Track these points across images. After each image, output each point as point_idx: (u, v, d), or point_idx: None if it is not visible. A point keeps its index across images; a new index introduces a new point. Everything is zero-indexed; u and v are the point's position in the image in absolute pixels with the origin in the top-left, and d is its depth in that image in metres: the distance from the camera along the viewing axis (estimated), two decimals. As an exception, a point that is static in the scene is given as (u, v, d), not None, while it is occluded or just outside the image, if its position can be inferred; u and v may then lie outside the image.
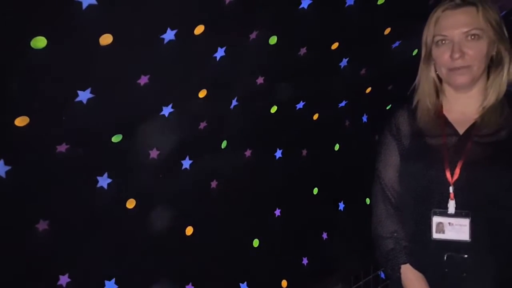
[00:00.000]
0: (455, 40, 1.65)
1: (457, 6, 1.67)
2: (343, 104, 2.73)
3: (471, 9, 1.65)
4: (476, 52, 1.64)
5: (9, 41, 1.39)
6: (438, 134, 1.75)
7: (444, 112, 1.78)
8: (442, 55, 1.68)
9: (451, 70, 1.68)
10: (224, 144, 2.22)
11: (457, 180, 1.66)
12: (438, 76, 1.78)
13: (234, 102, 2.15)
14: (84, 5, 1.46)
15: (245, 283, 2.42)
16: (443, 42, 1.68)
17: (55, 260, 1.78)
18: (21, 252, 1.68)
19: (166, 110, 1.91)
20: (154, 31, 1.70)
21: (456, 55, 1.64)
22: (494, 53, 1.69)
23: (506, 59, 1.69)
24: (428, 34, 1.73)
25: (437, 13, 1.71)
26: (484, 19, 1.64)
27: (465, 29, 1.64)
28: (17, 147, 1.57)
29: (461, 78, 1.68)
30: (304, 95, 2.46)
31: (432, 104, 1.78)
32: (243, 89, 2.16)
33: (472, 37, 1.64)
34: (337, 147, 2.86)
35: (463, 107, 1.75)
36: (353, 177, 2.93)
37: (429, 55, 1.75)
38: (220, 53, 1.93)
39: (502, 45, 1.68)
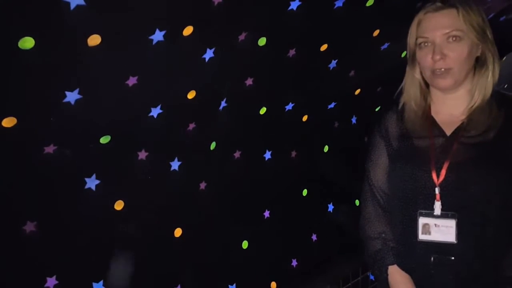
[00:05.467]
0: (436, 42, 1.67)
1: (438, 8, 1.69)
2: (332, 105, 2.73)
3: (452, 11, 1.67)
4: (457, 54, 1.65)
5: (-4, 41, 1.39)
6: (425, 135, 1.75)
7: (432, 114, 1.79)
8: (425, 57, 1.70)
9: (434, 73, 1.69)
10: (213, 145, 2.22)
11: (443, 181, 1.67)
12: (424, 78, 1.78)
13: (223, 103, 2.15)
14: (72, 6, 1.45)
15: (234, 285, 2.42)
16: (426, 44, 1.70)
17: (42, 262, 1.77)
18: (8, 254, 1.67)
19: (155, 111, 1.90)
20: (142, 32, 1.69)
21: (437, 57, 1.65)
22: (478, 54, 1.70)
23: (490, 60, 1.70)
24: (411, 37, 1.76)
25: (419, 16, 1.73)
26: (465, 21, 1.65)
27: (446, 31, 1.65)
28: (4, 148, 1.56)
29: (444, 82, 1.69)
30: (293, 96, 2.47)
31: (417, 106, 1.79)
32: (232, 90, 2.16)
33: (453, 38, 1.65)
34: (326, 148, 2.86)
35: (450, 108, 1.76)
36: (342, 179, 2.94)
37: (413, 57, 1.77)
38: (209, 54, 1.93)
39: (486, 47, 1.69)
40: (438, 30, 1.66)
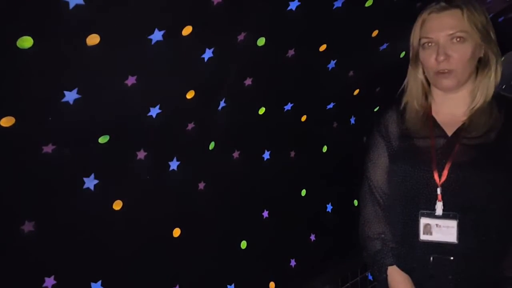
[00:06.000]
0: (440, 43, 1.66)
1: (443, 9, 1.69)
2: (331, 106, 2.73)
3: (456, 12, 1.66)
4: (461, 55, 1.65)
5: (-6, 41, 1.38)
6: (426, 135, 1.75)
7: (433, 114, 1.79)
8: (428, 58, 1.69)
9: (437, 73, 1.68)
10: (212, 145, 2.22)
11: (444, 181, 1.67)
12: (426, 77, 1.78)
13: (222, 103, 2.15)
14: (71, 5, 1.45)
15: (233, 285, 2.42)
16: (429, 44, 1.70)
17: (41, 262, 1.77)
18: (6, 253, 1.67)
19: (154, 111, 1.90)
20: (141, 31, 1.69)
21: (441, 58, 1.65)
22: (481, 55, 1.70)
23: (493, 61, 1.69)
24: (414, 36, 1.75)
25: (423, 16, 1.72)
26: (469, 22, 1.64)
27: (450, 32, 1.65)
28: (2, 147, 1.56)
29: (447, 82, 1.69)
30: (292, 96, 2.47)
31: (420, 106, 1.79)
32: (231, 90, 2.16)
33: (457, 39, 1.65)
34: (325, 148, 2.86)
35: (452, 108, 1.76)
36: (341, 179, 2.94)
37: (416, 57, 1.76)
38: (208, 54, 1.92)
39: (489, 48, 1.69)
40: (443, 31, 1.66)
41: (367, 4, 2.33)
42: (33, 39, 1.42)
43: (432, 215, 1.68)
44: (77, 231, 1.83)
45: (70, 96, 1.60)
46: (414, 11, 1.83)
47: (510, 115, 1.69)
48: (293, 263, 2.74)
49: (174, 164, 2.09)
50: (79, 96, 1.62)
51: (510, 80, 4.17)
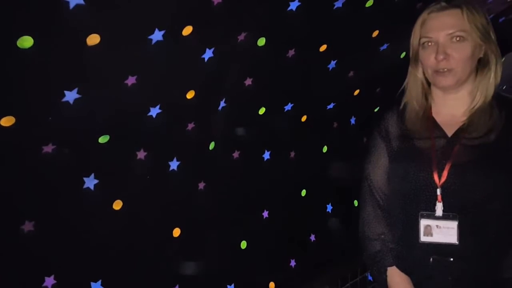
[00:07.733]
0: (440, 42, 1.66)
1: (443, 8, 1.69)
2: (331, 106, 2.73)
3: (456, 12, 1.67)
4: (460, 54, 1.65)
5: (-5, 40, 1.39)
6: (426, 136, 1.75)
7: (433, 114, 1.78)
8: (428, 57, 1.69)
9: (436, 72, 1.68)
10: (212, 145, 2.22)
11: (444, 182, 1.66)
12: (426, 78, 1.78)
13: (222, 103, 2.15)
14: (71, 5, 1.45)
15: (233, 285, 2.42)
16: (429, 44, 1.70)
17: (41, 262, 1.77)
18: (6, 253, 1.67)
19: (154, 111, 1.90)
20: (142, 31, 1.69)
21: (441, 57, 1.65)
22: (481, 55, 1.70)
23: (493, 61, 1.69)
24: (414, 36, 1.75)
25: (423, 16, 1.72)
26: (469, 22, 1.65)
27: (450, 31, 1.65)
28: (2, 147, 1.56)
29: (446, 81, 1.68)
30: (293, 97, 2.47)
31: (419, 106, 1.78)
32: (231, 91, 2.16)
33: (457, 39, 1.65)
34: (325, 149, 2.86)
35: (452, 109, 1.75)
36: (341, 179, 2.94)
37: (416, 57, 1.76)
38: (208, 54, 1.92)
39: (489, 48, 1.69)
40: (442, 30, 1.66)
41: (368, 4, 2.33)
42: (34, 39, 1.42)
43: (432, 216, 1.67)
44: (77, 230, 1.83)
45: (70, 96, 1.61)
46: (415, 11, 1.84)
47: (510, 115, 1.69)
48: (293, 263, 2.74)
49: (174, 164, 2.10)
50: (79, 96, 1.62)
51: (510, 81, 4.17)
